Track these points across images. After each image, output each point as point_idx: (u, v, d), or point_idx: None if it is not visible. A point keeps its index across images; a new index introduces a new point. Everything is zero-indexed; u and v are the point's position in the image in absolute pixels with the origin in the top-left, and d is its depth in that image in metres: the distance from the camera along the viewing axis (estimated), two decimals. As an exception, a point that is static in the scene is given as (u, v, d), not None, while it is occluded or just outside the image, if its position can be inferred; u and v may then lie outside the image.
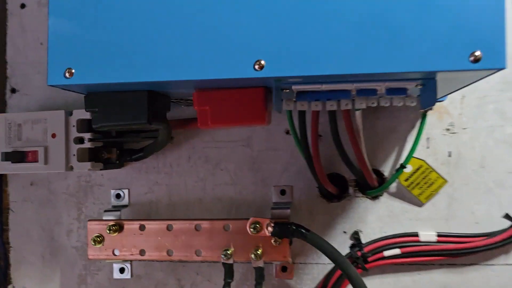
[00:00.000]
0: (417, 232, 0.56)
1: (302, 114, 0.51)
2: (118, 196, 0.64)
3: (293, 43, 0.36)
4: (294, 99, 0.48)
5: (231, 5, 0.37)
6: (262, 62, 0.37)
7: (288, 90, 0.43)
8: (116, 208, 0.63)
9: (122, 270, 0.62)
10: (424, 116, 0.55)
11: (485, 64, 0.35)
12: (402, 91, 0.42)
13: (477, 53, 0.35)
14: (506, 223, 0.56)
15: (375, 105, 0.49)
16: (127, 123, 0.45)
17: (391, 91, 0.42)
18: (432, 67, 0.35)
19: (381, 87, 0.41)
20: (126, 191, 0.64)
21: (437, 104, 0.57)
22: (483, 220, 0.57)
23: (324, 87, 0.41)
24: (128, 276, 0.63)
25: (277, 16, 0.37)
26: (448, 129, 0.57)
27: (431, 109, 0.55)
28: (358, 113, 0.52)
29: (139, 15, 0.38)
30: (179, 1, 0.38)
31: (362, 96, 0.43)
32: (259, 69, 0.37)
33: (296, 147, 0.55)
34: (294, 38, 0.36)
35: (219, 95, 0.42)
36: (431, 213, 0.57)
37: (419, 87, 0.41)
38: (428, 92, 0.41)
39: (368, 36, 0.36)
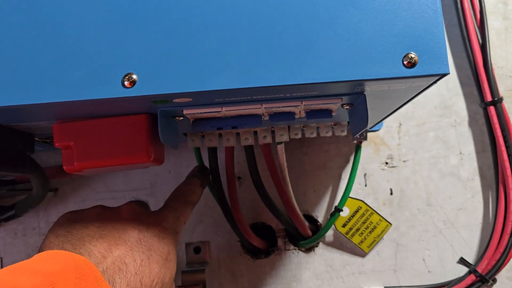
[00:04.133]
0: (362, 289, 0.47)
1: (213, 152, 0.42)
2: (-14, 269, 0.50)
3: (174, 49, 0.27)
4: (201, 133, 0.39)
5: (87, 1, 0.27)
6: (134, 76, 0.27)
7: (182, 118, 0.33)
8: (-16, 285, 0.49)
9: None
10: (358, 148, 0.47)
11: (422, 69, 0.27)
12: (326, 113, 0.33)
13: (412, 55, 0.27)
14: (462, 269, 0.48)
15: (299, 136, 0.42)
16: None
17: (312, 114, 0.33)
18: (356, 75, 0.27)
19: (298, 108, 0.33)
20: (-3, 262, 0.50)
21: (372, 134, 0.50)
22: (436, 267, 0.48)
23: (225, 110, 0.31)
24: None
25: (154, 13, 0.27)
26: (386, 163, 0.50)
27: (365, 139, 0.47)
28: (280, 148, 0.44)
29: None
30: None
31: (278, 122, 0.34)
32: (129, 86, 0.27)
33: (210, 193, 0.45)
34: (175, 43, 0.27)
35: (86, 127, 0.32)
36: (376, 264, 0.48)
37: (347, 107, 0.33)
38: (358, 114, 0.32)
39: (268, 36, 0.27)
